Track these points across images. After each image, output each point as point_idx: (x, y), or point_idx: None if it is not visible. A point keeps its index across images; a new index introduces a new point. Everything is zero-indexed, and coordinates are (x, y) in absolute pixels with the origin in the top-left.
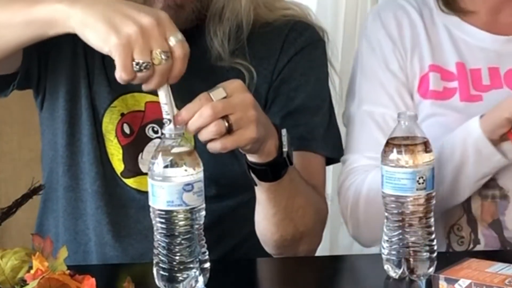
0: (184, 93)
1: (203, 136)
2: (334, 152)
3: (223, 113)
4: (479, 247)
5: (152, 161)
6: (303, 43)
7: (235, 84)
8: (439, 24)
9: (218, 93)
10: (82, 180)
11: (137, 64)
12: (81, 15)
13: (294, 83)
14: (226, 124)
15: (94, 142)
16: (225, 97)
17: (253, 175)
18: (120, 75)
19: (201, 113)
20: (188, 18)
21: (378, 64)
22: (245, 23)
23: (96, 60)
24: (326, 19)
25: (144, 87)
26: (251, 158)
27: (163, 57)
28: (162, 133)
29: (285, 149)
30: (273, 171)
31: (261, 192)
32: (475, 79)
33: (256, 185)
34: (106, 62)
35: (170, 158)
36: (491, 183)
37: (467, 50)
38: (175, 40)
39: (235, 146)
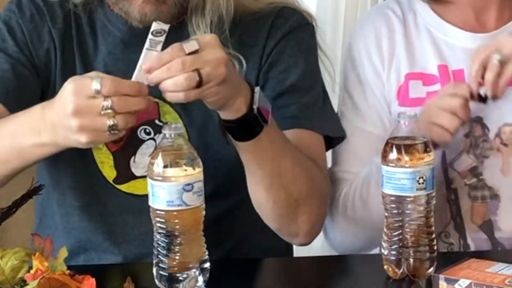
0: None
1: (170, 86)
2: (331, 130)
3: (191, 68)
4: None
5: (152, 161)
6: (290, 27)
7: (208, 38)
8: (422, 27)
9: (191, 45)
10: (66, 195)
11: (109, 128)
12: (52, 144)
13: (283, 65)
14: (198, 78)
15: (78, 155)
16: (197, 50)
17: (228, 136)
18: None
19: (170, 66)
20: (170, 12)
21: (357, 79)
22: (226, 13)
23: (78, 72)
24: (326, 19)
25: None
26: (221, 115)
27: (107, 111)
28: (162, 133)
29: (255, 105)
30: (245, 128)
31: (242, 153)
32: (458, 81)
33: (228, 143)
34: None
35: (170, 158)
36: (479, 184)
37: (449, 52)
38: (98, 83)
39: (198, 98)
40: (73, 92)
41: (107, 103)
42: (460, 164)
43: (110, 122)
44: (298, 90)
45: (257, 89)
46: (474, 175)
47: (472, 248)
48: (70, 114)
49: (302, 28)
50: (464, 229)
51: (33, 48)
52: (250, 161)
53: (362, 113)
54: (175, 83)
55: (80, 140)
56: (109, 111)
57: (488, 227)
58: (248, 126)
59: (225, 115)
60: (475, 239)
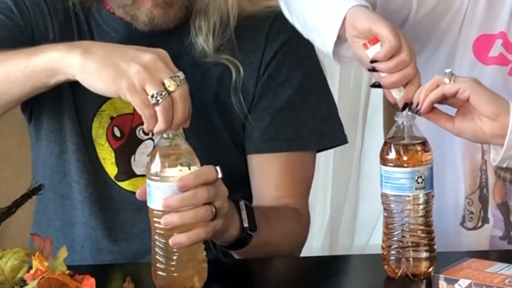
0: None
1: (190, 219)
2: (331, 141)
3: (212, 200)
4: (487, 227)
5: (149, 160)
6: (288, 35)
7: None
8: None
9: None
10: (73, 188)
11: (152, 96)
12: (80, 62)
13: (281, 78)
14: (214, 210)
15: (82, 150)
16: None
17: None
18: (143, 113)
19: (195, 194)
20: (176, 15)
21: None
22: (231, 18)
23: None
24: None
25: (173, 126)
26: (216, 241)
27: (177, 81)
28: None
29: (246, 225)
30: (238, 244)
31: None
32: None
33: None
34: None
35: (167, 158)
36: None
37: None
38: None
39: (207, 236)
40: (161, 52)
41: (176, 77)
42: None
43: (162, 88)
44: (292, 106)
45: (241, 205)
46: None
47: (491, 223)
48: (141, 55)
49: (300, 35)
50: (488, 203)
51: (37, 32)
52: (237, 254)
53: None
54: (195, 215)
55: (119, 84)
56: (174, 81)
57: (505, 208)
58: (242, 242)
59: (219, 241)
60: (494, 215)
